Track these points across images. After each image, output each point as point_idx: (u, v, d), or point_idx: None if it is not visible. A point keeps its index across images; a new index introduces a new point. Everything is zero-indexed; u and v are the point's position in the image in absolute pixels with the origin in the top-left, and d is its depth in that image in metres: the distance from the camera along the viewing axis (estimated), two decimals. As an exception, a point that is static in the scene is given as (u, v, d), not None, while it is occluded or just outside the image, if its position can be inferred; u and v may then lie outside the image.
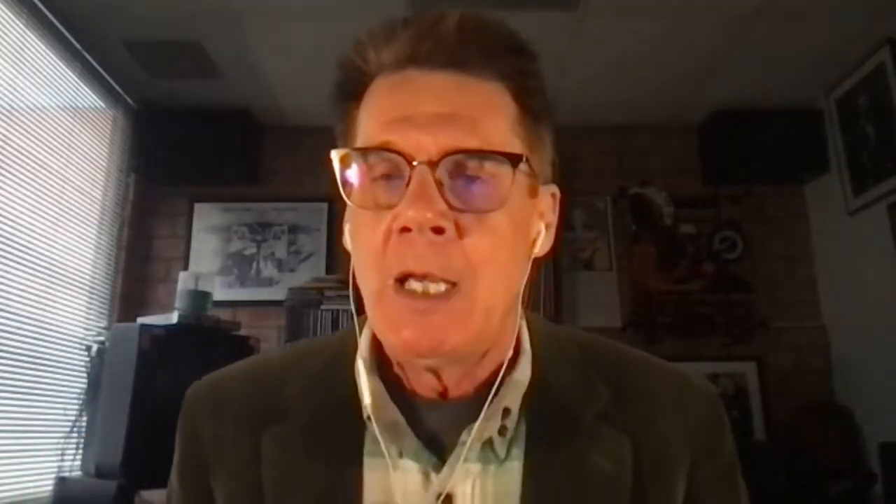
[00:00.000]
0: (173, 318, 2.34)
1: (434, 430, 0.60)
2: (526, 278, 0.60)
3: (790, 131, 3.20)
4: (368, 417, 0.59)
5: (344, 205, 0.59)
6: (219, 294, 2.85)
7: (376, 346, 0.63)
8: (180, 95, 3.16)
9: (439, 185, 0.53)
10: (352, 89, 0.61)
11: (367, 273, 0.57)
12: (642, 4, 2.52)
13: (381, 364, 0.63)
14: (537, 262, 0.63)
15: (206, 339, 2.44)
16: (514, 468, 0.60)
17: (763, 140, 3.18)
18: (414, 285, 0.54)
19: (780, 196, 3.40)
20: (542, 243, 0.63)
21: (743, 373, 3.19)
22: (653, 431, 0.63)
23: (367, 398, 0.60)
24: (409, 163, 0.53)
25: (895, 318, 2.74)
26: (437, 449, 0.60)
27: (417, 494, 0.58)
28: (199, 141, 3.19)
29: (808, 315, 3.28)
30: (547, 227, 0.63)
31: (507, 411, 0.59)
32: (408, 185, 0.53)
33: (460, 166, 0.55)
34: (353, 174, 0.57)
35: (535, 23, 2.60)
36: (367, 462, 0.60)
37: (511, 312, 0.61)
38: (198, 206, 3.39)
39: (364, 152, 0.56)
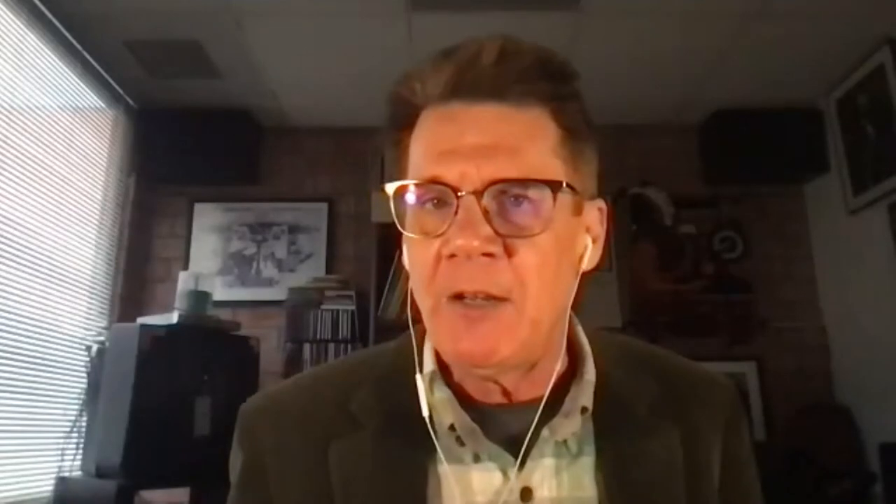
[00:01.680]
0: (173, 318, 2.34)
1: (506, 432, 0.64)
2: (574, 292, 0.64)
3: (790, 131, 3.20)
4: (451, 426, 0.63)
5: (398, 231, 0.64)
6: (219, 294, 2.85)
7: (439, 357, 0.67)
8: (180, 95, 3.16)
9: (485, 212, 0.57)
10: (402, 120, 0.64)
11: (422, 292, 0.62)
12: (642, 5, 2.53)
13: (445, 374, 0.67)
14: (586, 275, 0.66)
15: (206, 339, 2.44)
16: (586, 463, 0.65)
17: (763, 140, 3.19)
18: (467, 298, 0.58)
19: (780, 196, 3.40)
20: (590, 257, 0.66)
21: (743, 373, 3.19)
22: (692, 420, 0.69)
23: (425, 410, 0.63)
24: (456, 193, 0.57)
25: (895, 318, 2.74)
26: (510, 450, 0.63)
27: (498, 491, 0.63)
28: (199, 141, 3.19)
29: (808, 315, 3.28)
30: (594, 240, 0.67)
31: (584, 409, 0.64)
32: (455, 213, 0.57)
33: (504, 194, 0.58)
34: (406, 204, 0.62)
35: (535, 23, 2.60)
36: (441, 467, 0.63)
37: (559, 324, 0.65)
38: (198, 206, 3.39)
39: (415, 185, 0.61)
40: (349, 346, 3.01)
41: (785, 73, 2.99)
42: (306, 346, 3.03)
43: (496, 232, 0.57)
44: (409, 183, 0.61)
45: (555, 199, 0.58)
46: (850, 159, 3.02)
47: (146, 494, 2.26)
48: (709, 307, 3.23)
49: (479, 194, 0.57)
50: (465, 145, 0.58)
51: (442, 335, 0.61)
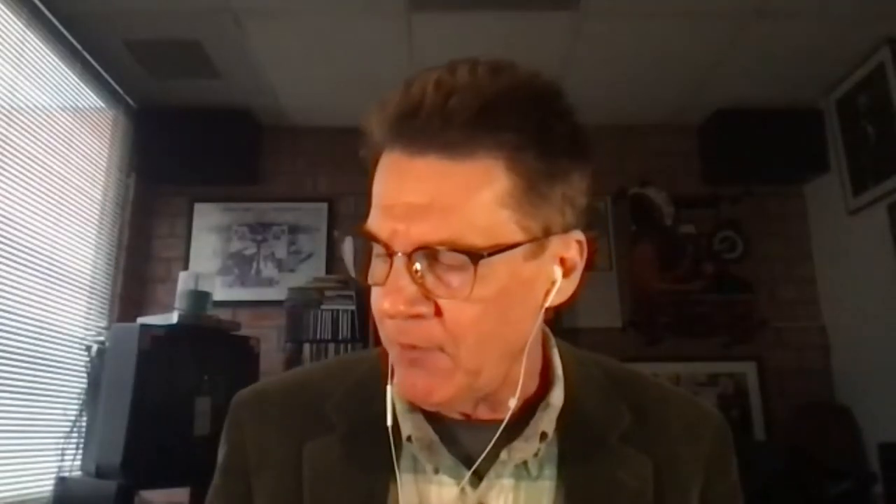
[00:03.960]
0: (173, 318, 2.34)
1: (467, 447, 0.65)
2: (533, 329, 0.62)
3: (790, 131, 3.20)
4: (409, 438, 0.64)
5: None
6: (219, 294, 2.85)
7: None
8: (180, 95, 3.17)
9: (415, 272, 0.56)
10: (369, 152, 0.63)
11: (379, 329, 0.63)
12: (642, 5, 2.52)
13: None
14: (557, 308, 0.63)
15: (206, 339, 2.44)
16: (546, 486, 0.65)
17: (763, 140, 3.19)
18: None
19: (780, 196, 3.40)
20: (558, 293, 0.62)
21: (743, 373, 3.19)
22: (670, 453, 0.68)
23: (389, 419, 0.64)
24: (389, 252, 0.57)
25: (895, 318, 2.74)
26: (470, 465, 0.64)
27: None
28: (199, 141, 3.19)
29: (808, 315, 3.28)
30: (567, 273, 0.62)
31: (544, 435, 0.64)
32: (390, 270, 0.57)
33: (434, 254, 0.57)
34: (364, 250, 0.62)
35: (535, 23, 2.60)
36: (403, 476, 0.65)
37: (516, 361, 0.62)
38: (198, 206, 3.39)
39: (361, 236, 0.61)
40: (349, 346, 3.01)
41: (785, 73, 2.99)
42: (306, 346, 3.03)
43: (425, 293, 0.56)
44: (358, 235, 0.61)
45: (476, 268, 0.55)
46: (850, 159, 3.02)
47: (146, 494, 2.26)
48: (709, 307, 3.23)
49: (408, 255, 0.56)
50: (401, 203, 0.57)
51: (395, 370, 0.63)
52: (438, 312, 0.57)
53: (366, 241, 0.61)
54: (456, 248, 0.55)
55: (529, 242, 0.58)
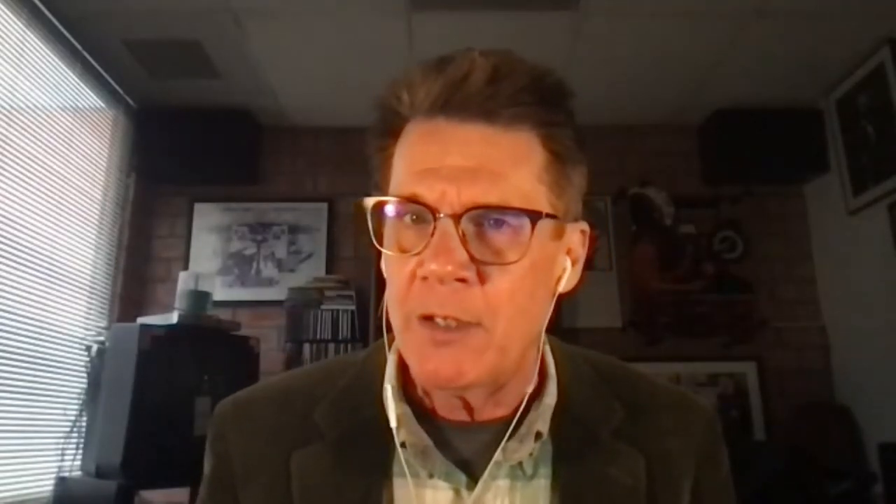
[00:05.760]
0: (173, 318, 2.34)
1: (462, 451, 0.65)
2: (548, 315, 0.63)
3: (790, 131, 3.20)
4: (403, 444, 0.63)
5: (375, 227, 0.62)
6: (219, 294, 2.85)
7: (402, 370, 0.66)
8: (180, 95, 3.16)
9: (462, 235, 0.56)
10: (388, 128, 0.63)
11: (395, 307, 0.61)
12: (642, 5, 2.52)
13: (407, 387, 0.67)
14: (561, 297, 0.65)
15: (206, 339, 2.44)
16: (541, 485, 0.64)
17: (763, 140, 3.19)
18: (437, 320, 0.58)
19: (780, 196, 3.40)
20: (568, 280, 0.65)
21: (743, 373, 3.19)
22: (661, 447, 0.68)
23: (393, 422, 0.63)
24: (434, 215, 0.56)
25: (895, 318, 2.74)
26: (466, 468, 0.64)
27: None
28: (199, 141, 3.19)
29: (808, 315, 3.28)
30: (574, 262, 0.65)
31: (538, 434, 0.64)
32: (432, 234, 0.56)
33: (483, 219, 0.57)
34: (384, 217, 0.61)
35: (535, 23, 2.60)
36: (397, 481, 0.64)
37: (532, 348, 0.65)
38: (198, 206, 3.39)
39: (394, 203, 0.60)
40: (349, 346, 3.01)
41: (785, 73, 2.99)
42: (306, 346, 3.03)
43: (471, 257, 0.56)
44: (388, 200, 0.60)
45: (533, 228, 0.57)
46: (850, 159, 3.02)
47: (146, 494, 2.26)
48: (709, 307, 3.22)
49: (457, 217, 0.56)
50: (448, 166, 0.57)
51: (410, 353, 0.61)
52: (482, 279, 0.57)
53: (377, 211, 0.60)
54: (512, 209, 0.57)
55: (559, 220, 0.60)
